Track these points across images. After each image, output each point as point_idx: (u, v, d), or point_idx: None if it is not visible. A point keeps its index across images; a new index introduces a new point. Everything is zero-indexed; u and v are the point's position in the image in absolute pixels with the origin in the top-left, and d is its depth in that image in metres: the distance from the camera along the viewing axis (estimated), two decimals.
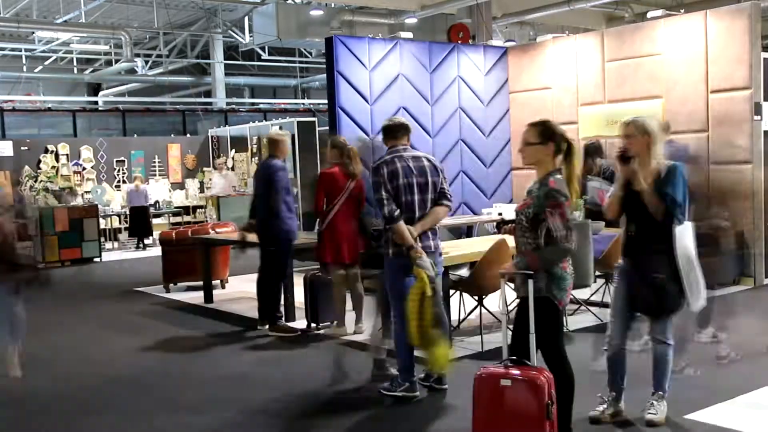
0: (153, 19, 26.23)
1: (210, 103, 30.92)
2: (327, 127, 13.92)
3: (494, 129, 15.15)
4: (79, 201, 19.35)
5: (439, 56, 14.47)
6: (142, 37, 30.30)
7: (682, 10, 13.30)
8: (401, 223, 7.09)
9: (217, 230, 13.75)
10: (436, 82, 14.36)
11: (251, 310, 11.81)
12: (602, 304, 10.50)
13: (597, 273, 12.02)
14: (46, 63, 32.28)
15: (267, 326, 10.41)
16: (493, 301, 10.36)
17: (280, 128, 16.78)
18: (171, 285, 14.00)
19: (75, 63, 33.54)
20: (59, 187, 20.24)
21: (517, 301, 6.07)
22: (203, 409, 7.45)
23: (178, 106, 30.41)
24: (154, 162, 24.02)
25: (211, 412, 7.31)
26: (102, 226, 20.16)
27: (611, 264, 10.27)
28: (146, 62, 30.48)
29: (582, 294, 10.87)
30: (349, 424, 6.85)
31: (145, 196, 20.26)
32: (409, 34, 14.89)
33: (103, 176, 23.13)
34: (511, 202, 15.02)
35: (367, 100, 13.45)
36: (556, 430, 5.48)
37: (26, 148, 22.40)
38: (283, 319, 10.58)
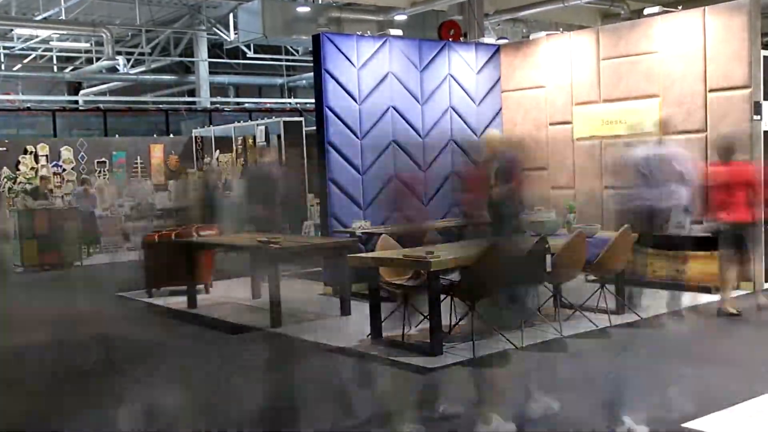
0: (135, 16, 26.13)
1: (194, 103, 30.84)
2: (314, 127, 13.89)
3: (486, 129, 15.11)
4: (58, 203, 19.28)
5: (430, 54, 14.43)
6: (124, 34, 30.18)
7: (680, 7, 13.28)
8: None
9: (201, 233, 13.71)
10: (427, 80, 14.33)
11: (236, 315, 11.79)
12: (597, 310, 10.49)
13: (591, 278, 12.06)
14: (25, 61, 32.15)
15: None
16: None
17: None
18: (154, 289, 13.96)
19: (55, 61, 33.38)
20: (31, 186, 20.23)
21: None
22: (188, 416, 7.41)
23: (160, 106, 30.32)
24: (136, 163, 23.93)
25: (196, 420, 7.27)
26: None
27: (607, 268, 10.33)
28: (128, 60, 30.35)
29: (577, 299, 10.86)
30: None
31: None
32: (399, 32, 14.84)
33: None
34: None
35: (355, 99, 13.41)
36: None
37: (4, 149, 22.31)
38: None
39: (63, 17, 25.00)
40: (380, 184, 13.55)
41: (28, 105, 29.12)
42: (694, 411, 6.73)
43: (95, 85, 33.91)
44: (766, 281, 12.20)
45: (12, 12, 24.76)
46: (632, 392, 7.48)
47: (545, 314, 10.40)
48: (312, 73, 13.71)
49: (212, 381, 8.64)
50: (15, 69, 31.60)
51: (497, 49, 15.52)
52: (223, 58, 32.48)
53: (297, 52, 31.07)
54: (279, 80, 33.64)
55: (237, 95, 35.63)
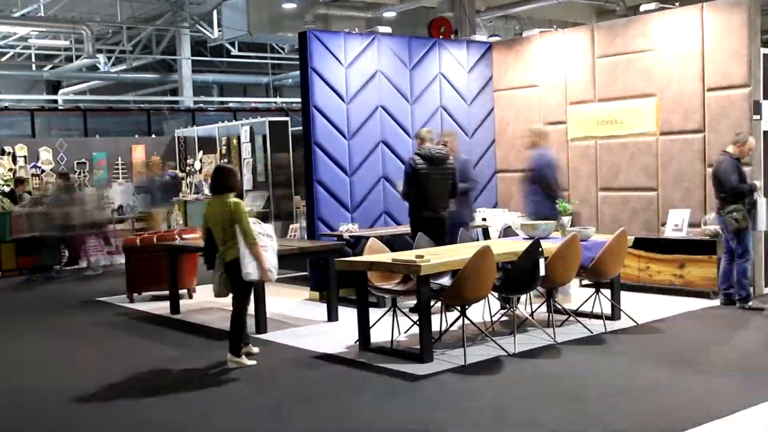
0: (116, 12, 26.11)
1: (176, 102, 30.81)
2: (301, 128, 13.87)
3: (478, 129, 15.12)
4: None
5: (420, 52, 14.42)
6: (105, 31, 30.15)
7: (677, 3, 13.28)
8: None
9: (184, 236, 13.66)
10: (417, 79, 14.31)
11: (220, 321, 11.74)
12: (592, 315, 10.49)
13: (586, 282, 12.07)
14: (3, 59, 32.07)
15: None
16: (476, 312, 10.37)
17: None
18: (135, 295, 13.92)
19: (33, 59, 33.35)
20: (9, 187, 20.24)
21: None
22: (173, 425, 7.39)
23: (142, 105, 30.26)
24: (117, 164, 23.87)
25: (181, 429, 7.25)
26: None
27: (602, 272, 10.31)
28: (109, 58, 30.30)
29: (571, 304, 10.84)
30: None
31: None
32: (388, 29, 14.82)
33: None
34: (495, 206, 14.99)
35: (343, 99, 13.38)
36: None
37: None
38: None
39: (42, 14, 24.95)
40: (369, 185, 13.55)
41: (6, 104, 29.04)
42: (691, 420, 6.74)
43: (75, 84, 33.88)
44: (766, 286, 12.21)
45: None
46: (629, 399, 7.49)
47: (538, 320, 10.41)
48: (298, 72, 13.69)
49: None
50: None
51: (489, 47, 15.52)
52: (206, 56, 32.46)
53: (283, 50, 31.07)
54: (264, 79, 33.63)
55: (221, 94, 35.63)
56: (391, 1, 20.39)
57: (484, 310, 10.58)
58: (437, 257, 9.22)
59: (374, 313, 9.97)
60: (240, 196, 9.72)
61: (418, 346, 9.03)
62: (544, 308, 10.65)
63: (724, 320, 10.84)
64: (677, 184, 12.76)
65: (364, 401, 7.82)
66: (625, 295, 11.26)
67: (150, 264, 13.59)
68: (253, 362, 9.29)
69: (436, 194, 11.43)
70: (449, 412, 7.33)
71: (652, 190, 13.11)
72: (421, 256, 9.01)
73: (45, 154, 22.80)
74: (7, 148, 22.37)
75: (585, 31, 14.17)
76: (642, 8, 13.73)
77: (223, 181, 9.34)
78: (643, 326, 10.42)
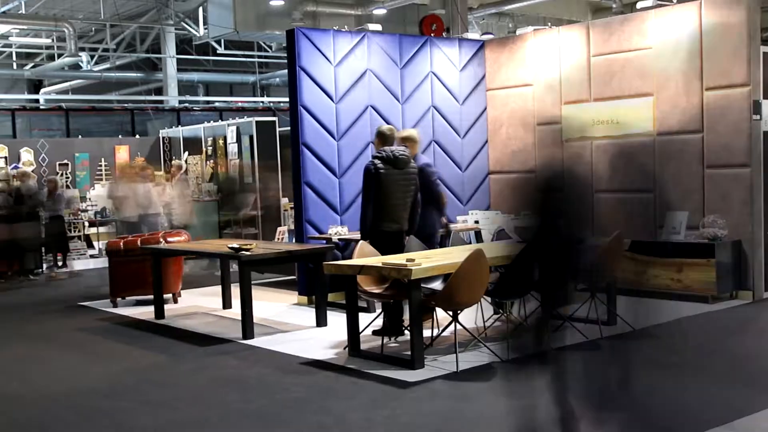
0: (99, 9, 26.06)
1: (161, 102, 30.73)
2: (288, 128, 13.84)
3: (470, 129, 15.09)
4: None
5: (411, 50, 14.39)
6: (87, 29, 30.10)
7: (675, 0, 13.29)
8: None
9: (169, 239, 13.63)
10: (407, 78, 14.29)
11: (205, 326, 11.71)
12: (588, 320, 10.46)
13: (582, 286, 12.02)
14: None
15: None
16: (469, 317, 10.35)
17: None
18: (119, 299, 13.87)
19: (14, 58, 33.27)
20: None
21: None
22: None
23: (126, 105, 30.18)
24: (100, 165, 23.80)
25: None
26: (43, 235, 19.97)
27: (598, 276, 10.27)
28: (92, 57, 30.25)
29: (567, 309, 10.82)
30: None
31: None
32: (378, 27, 14.81)
33: (45, 181, 22.91)
34: (488, 208, 14.96)
35: (332, 98, 13.35)
36: None
37: None
38: None
39: (23, 11, 24.89)
40: (359, 187, 13.51)
41: None
42: (689, 427, 6.72)
43: (57, 83, 33.82)
44: (766, 290, 12.20)
45: None
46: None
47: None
48: (286, 71, 13.67)
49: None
50: None
51: (482, 45, 15.50)
52: (192, 55, 32.45)
53: (270, 48, 31.05)
54: (251, 78, 33.58)
55: (207, 94, 35.59)
56: None
57: (477, 315, 10.56)
58: (428, 261, 9.19)
59: (364, 318, 9.95)
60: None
61: (409, 352, 9.00)
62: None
63: (723, 325, 10.83)
64: (675, 186, 12.74)
65: (353, 408, 7.79)
66: (621, 300, 11.24)
67: (134, 268, 13.53)
68: None
69: (398, 203, 10.50)
70: (440, 420, 7.31)
71: (650, 191, 13.10)
72: (412, 260, 8.98)
73: (26, 154, 22.72)
74: None
75: (580, 29, 14.16)
76: (639, 5, 13.72)
77: None
78: (639, 331, 10.40)
